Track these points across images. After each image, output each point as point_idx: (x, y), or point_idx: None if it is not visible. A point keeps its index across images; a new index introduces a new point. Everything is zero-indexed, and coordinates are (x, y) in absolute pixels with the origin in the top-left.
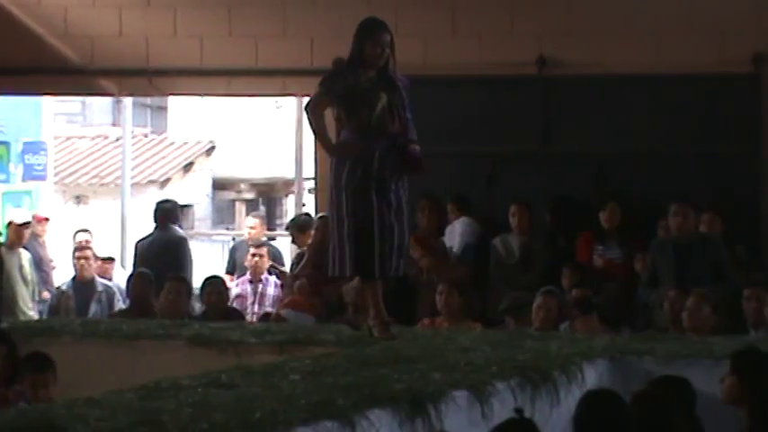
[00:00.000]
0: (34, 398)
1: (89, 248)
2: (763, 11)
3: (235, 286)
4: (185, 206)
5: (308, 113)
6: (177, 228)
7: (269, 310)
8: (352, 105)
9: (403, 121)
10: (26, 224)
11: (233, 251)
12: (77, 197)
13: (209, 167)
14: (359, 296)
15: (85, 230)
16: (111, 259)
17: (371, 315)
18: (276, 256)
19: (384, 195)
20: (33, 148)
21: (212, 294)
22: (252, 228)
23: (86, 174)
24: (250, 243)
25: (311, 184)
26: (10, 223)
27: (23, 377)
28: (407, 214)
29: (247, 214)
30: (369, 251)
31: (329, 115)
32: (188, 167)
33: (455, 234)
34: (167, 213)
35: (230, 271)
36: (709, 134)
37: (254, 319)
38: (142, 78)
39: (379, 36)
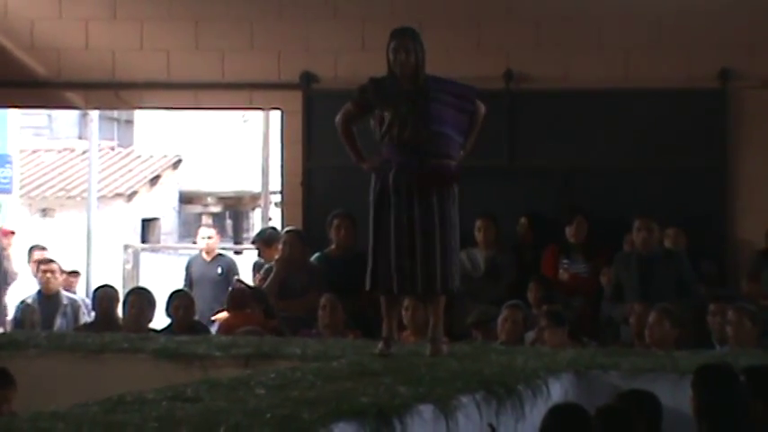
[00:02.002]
0: None
1: (54, 262)
2: (730, 26)
3: None
4: (152, 219)
5: (336, 125)
6: None
7: None
8: (374, 117)
9: (423, 134)
10: None
11: (188, 267)
12: (43, 210)
13: (175, 181)
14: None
15: (42, 248)
16: (76, 273)
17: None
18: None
19: (402, 210)
20: None
21: (178, 308)
22: (209, 237)
23: (53, 187)
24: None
25: (278, 197)
26: None
27: None
28: (450, 229)
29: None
30: (385, 266)
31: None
32: (154, 181)
33: None
34: None
35: (187, 287)
36: (675, 149)
37: None
38: (109, 91)
39: (397, 41)
